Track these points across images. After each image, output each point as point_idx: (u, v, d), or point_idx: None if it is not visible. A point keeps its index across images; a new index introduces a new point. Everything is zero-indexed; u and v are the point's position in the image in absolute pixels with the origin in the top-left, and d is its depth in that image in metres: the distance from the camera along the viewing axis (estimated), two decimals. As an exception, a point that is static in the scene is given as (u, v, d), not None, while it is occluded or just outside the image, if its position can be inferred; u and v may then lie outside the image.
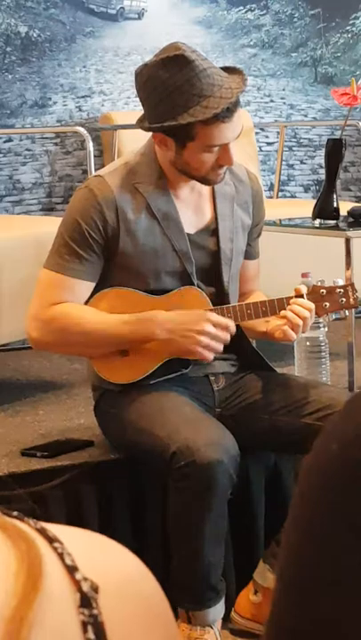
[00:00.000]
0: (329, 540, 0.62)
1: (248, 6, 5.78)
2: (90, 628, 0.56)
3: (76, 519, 2.92)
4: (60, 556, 0.58)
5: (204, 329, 2.77)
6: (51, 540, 0.59)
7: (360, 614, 0.60)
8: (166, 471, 2.67)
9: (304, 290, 2.91)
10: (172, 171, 2.87)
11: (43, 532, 0.59)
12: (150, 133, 2.85)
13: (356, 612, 0.60)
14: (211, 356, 2.81)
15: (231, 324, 2.81)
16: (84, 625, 0.56)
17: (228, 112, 2.71)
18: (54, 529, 0.61)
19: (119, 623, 0.58)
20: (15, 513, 0.61)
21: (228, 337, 2.80)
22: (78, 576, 0.57)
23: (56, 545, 0.58)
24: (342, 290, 2.98)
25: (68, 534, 0.61)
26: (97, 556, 0.62)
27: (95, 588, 0.57)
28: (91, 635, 0.56)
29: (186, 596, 2.71)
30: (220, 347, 2.80)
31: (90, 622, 0.56)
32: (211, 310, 2.86)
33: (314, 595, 0.62)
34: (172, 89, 2.70)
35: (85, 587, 0.57)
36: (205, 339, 2.77)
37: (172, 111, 2.71)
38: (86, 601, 0.57)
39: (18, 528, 0.58)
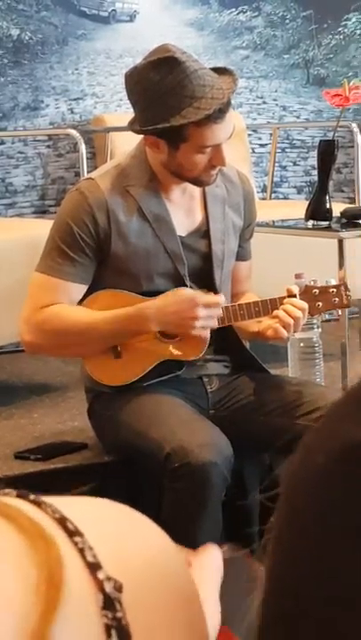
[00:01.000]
0: (328, 543, 0.62)
1: (240, 8, 5.78)
2: (114, 632, 0.53)
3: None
4: (81, 551, 0.54)
5: (198, 314, 2.77)
6: (71, 533, 0.55)
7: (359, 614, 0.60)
8: (161, 472, 2.67)
9: (296, 290, 2.91)
10: (164, 173, 2.87)
11: (62, 523, 0.56)
12: (141, 135, 2.85)
13: (355, 611, 0.60)
14: (207, 333, 2.83)
15: (221, 299, 2.82)
16: (108, 629, 0.53)
17: (220, 113, 2.71)
18: (73, 506, 0.58)
19: (143, 618, 0.55)
20: (32, 496, 0.57)
21: (220, 312, 2.82)
22: (101, 575, 0.54)
23: (77, 539, 0.55)
24: (335, 289, 2.98)
25: (88, 515, 0.58)
26: (120, 541, 0.59)
27: (119, 587, 0.54)
28: (115, 639, 0.53)
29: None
30: (215, 322, 2.82)
31: (113, 626, 0.53)
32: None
33: (310, 600, 0.62)
34: (164, 91, 2.70)
35: (108, 587, 0.54)
36: (200, 322, 2.79)
37: (163, 113, 2.71)
38: (109, 603, 0.54)
39: (35, 523, 0.55)
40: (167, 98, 2.70)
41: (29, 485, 3.10)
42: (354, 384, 0.67)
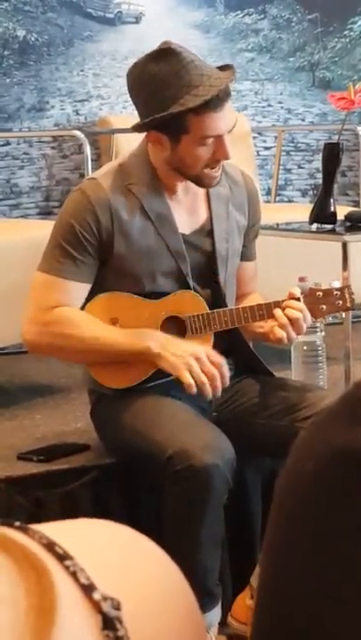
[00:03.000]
0: (315, 550, 0.62)
1: (246, 10, 5.78)
2: None
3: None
4: (74, 575, 0.53)
5: (197, 354, 2.75)
6: (61, 557, 0.54)
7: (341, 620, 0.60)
8: (163, 475, 2.67)
9: (298, 292, 2.91)
10: (166, 170, 2.87)
11: (51, 548, 0.54)
12: (144, 135, 2.86)
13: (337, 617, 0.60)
14: (193, 387, 2.73)
15: (225, 365, 2.76)
16: None
17: (219, 100, 2.73)
18: (61, 532, 0.57)
19: (147, 633, 0.55)
20: (17, 523, 0.56)
21: (217, 375, 2.74)
22: (97, 596, 0.53)
23: (67, 563, 0.54)
24: (339, 292, 2.98)
25: (76, 538, 0.57)
26: (113, 559, 0.58)
27: (117, 606, 0.53)
28: None
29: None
30: (207, 385, 2.73)
31: None
32: (208, 314, 2.86)
33: (299, 607, 0.62)
34: (162, 82, 2.72)
35: (106, 607, 0.53)
36: (195, 364, 2.74)
37: (162, 104, 2.73)
38: (109, 622, 0.52)
39: (23, 549, 0.53)
40: (165, 88, 2.72)
41: (32, 487, 3.11)
42: (346, 390, 0.68)
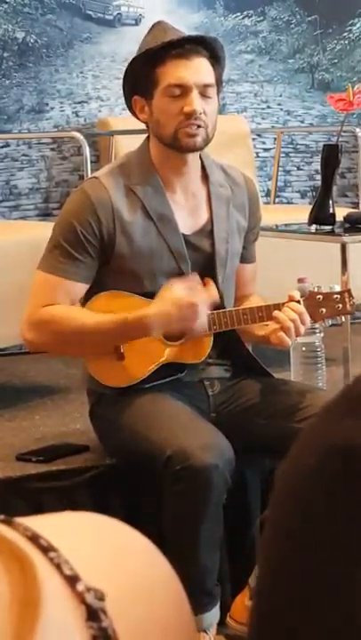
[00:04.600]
0: (317, 546, 0.62)
1: (245, 12, 5.78)
2: None
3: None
4: (58, 566, 0.54)
5: (200, 315, 2.76)
6: (45, 549, 0.54)
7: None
8: (162, 475, 2.67)
9: (298, 295, 2.91)
10: (161, 160, 2.88)
11: (35, 540, 0.55)
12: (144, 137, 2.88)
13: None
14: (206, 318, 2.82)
15: (216, 296, 2.82)
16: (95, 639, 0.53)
17: (182, 48, 2.81)
18: (45, 524, 0.57)
19: (133, 625, 0.55)
20: (2, 517, 0.56)
21: (217, 296, 2.83)
22: (80, 587, 0.53)
23: (52, 555, 0.54)
24: (339, 296, 2.99)
25: (61, 530, 0.58)
26: (98, 550, 0.58)
27: (101, 597, 0.53)
28: None
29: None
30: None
31: (100, 636, 0.52)
32: (207, 315, 2.84)
33: (296, 597, 0.62)
34: (142, 47, 2.88)
35: (90, 598, 0.53)
36: (201, 320, 2.77)
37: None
38: (93, 613, 0.53)
39: (8, 541, 0.54)
40: (139, 50, 2.88)
41: (31, 487, 3.10)
42: (346, 385, 0.68)
